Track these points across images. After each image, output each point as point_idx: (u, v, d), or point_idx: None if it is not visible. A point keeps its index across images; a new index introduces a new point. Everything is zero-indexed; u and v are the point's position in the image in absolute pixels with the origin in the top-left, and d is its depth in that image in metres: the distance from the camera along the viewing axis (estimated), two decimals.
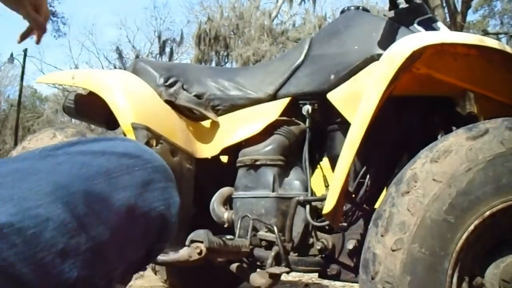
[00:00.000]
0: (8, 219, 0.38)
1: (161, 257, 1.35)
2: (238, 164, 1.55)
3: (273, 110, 1.52)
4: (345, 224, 1.46)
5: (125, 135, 1.43)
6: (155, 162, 0.57)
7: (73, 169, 0.48)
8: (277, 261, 1.38)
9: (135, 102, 1.49)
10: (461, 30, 8.27)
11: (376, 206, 1.31)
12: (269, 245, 1.41)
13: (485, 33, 11.60)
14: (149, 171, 0.55)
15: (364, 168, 1.45)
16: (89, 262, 0.44)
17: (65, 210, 0.42)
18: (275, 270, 1.34)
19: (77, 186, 0.46)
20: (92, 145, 0.54)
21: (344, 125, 1.35)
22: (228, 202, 1.56)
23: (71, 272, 0.42)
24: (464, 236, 0.99)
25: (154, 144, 1.45)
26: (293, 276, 2.77)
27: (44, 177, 0.44)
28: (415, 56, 1.18)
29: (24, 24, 1.10)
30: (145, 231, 0.54)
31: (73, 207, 0.43)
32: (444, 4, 8.93)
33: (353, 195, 1.45)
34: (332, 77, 1.43)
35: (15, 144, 12.65)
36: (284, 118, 1.52)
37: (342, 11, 1.61)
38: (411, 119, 1.45)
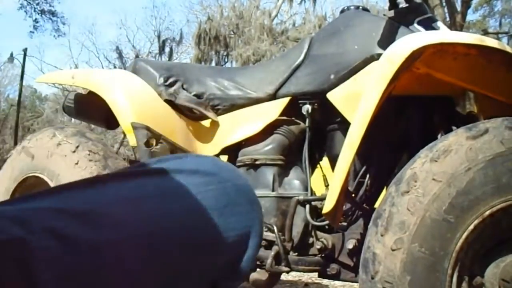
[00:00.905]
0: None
1: None
2: (238, 164, 1.55)
3: (273, 110, 1.52)
4: (345, 223, 1.46)
5: (125, 134, 1.43)
6: (236, 180, 0.51)
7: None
8: (277, 260, 1.38)
9: (135, 102, 1.49)
10: (461, 30, 8.27)
11: (376, 205, 1.31)
12: (269, 244, 1.41)
13: (485, 32, 11.59)
14: (227, 191, 0.49)
15: (364, 167, 1.45)
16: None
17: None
18: (275, 269, 1.34)
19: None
20: (157, 164, 0.50)
21: (344, 125, 1.35)
22: None
23: None
24: (464, 236, 0.99)
25: (154, 144, 1.45)
26: (293, 276, 2.77)
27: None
28: (415, 56, 1.18)
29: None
30: (211, 262, 0.47)
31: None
32: (444, 4, 8.93)
33: (353, 195, 1.45)
34: (332, 76, 1.43)
35: (15, 143, 12.65)
36: (284, 117, 1.52)
37: (342, 11, 1.61)
38: (411, 118, 1.45)
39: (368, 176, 1.45)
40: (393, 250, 1.00)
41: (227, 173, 0.51)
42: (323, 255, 1.43)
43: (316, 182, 1.57)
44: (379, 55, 1.29)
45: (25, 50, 15.24)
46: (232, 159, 1.61)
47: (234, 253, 0.49)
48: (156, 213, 0.44)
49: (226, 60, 15.04)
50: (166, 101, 1.58)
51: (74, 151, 1.56)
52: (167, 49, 18.02)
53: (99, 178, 0.48)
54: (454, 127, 1.32)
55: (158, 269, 0.42)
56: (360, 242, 1.36)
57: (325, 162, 1.61)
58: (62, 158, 1.57)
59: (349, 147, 1.19)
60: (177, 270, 0.44)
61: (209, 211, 0.47)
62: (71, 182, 0.47)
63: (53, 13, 16.47)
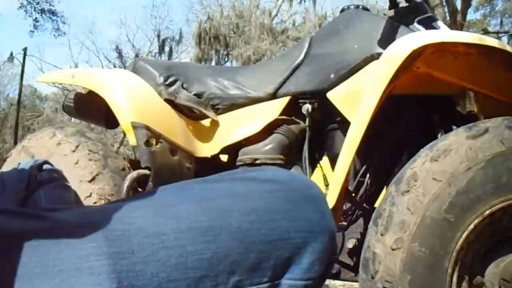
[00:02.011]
0: None
1: None
2: (238, 163, 1.55)
3: (273, 109, 1.52)
4: (345, 223, 1.46)
5: (124, 134, 1.43)
6: (306, 190, 0.56)
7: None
8: None
9: (135, 101, 1.49)
10: (461, 29, 8.26)
11: (376, 205, 1.31)
12: None
13: (485, 32, 11.58)
14: (295, 198, 0.54)
15: (364, 167, 1.45)
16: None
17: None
18: None
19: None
20: (241, 175, 0.58)
21: (344, 124, 1.35)
22: None
23: None
24: (464, 235, 0.99)
25: (154, 143, 1.45)
26: None
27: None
28: (415, 55, 1.18)
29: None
30: (269, 257, 0.51)
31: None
32: (444, 3, 8.92)
33: (353, 194, 1.45)
34: (332, 76, 1.43)
35: (15, 143, 12.65)
36: (284, 117, 1.52)
37: (342, 10, 1.61)
38: (411, 118, 1.45)
39: (368, 175, 1.45)
40: (393, 249, 1.00)
41: (298, 183, 0.56)
42: None
43: (316, 181, 1.57)
44: (379, 54, 1.29)
45: (25, 50, 15.25)
46: (232, 159, 1.61)
47: (296, 252, 0.52)
48: (219, 210, 0.50)
49: (226, 59, 15.04)
50: (166, 100, 1.58)
51: (74, 151, 1.56)
52: (167, 49, 18.01)
53: (189, 182, 0.58)
54: (454, 127, 1.33)
55: (215, 260, 0.48)
56: (360, 242, 1.36)
57: (325, 161, 1.61)
58: (62, 157, 1.57)
59: (349, 146, 1.19)
60: (234, 260, 0.49)
61: (272, 212, 0.52)
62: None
63: (53, 13, 16.48)
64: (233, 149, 1.59)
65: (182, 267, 0.48)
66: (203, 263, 0.48)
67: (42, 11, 16.15)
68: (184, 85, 1.61)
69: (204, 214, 0.50)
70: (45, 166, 1.13)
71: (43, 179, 1.06)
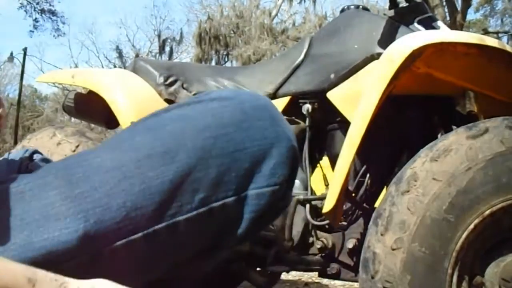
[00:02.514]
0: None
1: None
2: None
3: None
4: (345, 223, 1.46)
5: None
6: (254, 101, 0.56)
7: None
8: (277, 260, 1.37)
9: (135, 101, 1.49)
10: (461, 29, 8.26)
11: (376, 205, 1.30)
12: (269, 244, 1.41)
13: (485, 32, 11.59)
14: (244, 110, 0.54)
15: (364, 167, 1.45)
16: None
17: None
18: (275, 269, 1.34)
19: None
20: (188, 100, 0.58)
21: (344, 124, 1.35)
22: None
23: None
24: (464, 235, 0.99)
25: None
26: (293, 275, 2.77)
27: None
28: (415, 55, 1.18)
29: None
30: (230, 170, 0.52)
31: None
32: (444, 3, 8.92)
33: (353, 194, 1.45)
34: (332, 76, 1.43)
35: (15, 143, 12.64)
36: (284, 117, 1.51)
37: (342, 10, 1.61)
38: (411, 118, 1.45)
39: (368, 175, 1.45)
40: (393, 249, 1.00)
41: (244, 96, 0.56)
42: (323, 254, 1.43)
43: (316, 181, 1.57)
44: (379, 54, 1.29)
45: (25, 50, 15.24)
46: None
47: (255, 161, 0.53)
48: (172, 134, 0.52)
49: (226, 59, 15.05)
50: (166, 100, 1.58)
51: (74, 151, 1.56)
52: (167, 49, 18.03)
53: (140, 119, 0.59)
54: (454, 127, 1.32)
55: (177, 181, 0.49)
56: (360, 242, 1.36)
57: (325, 161, 1.60)
58: (62, 157, 1.57)
59: (349, 146, 1.19)
60: (196, 178, 0.50)
61: (224, 126, 0.52)
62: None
63: (53, 13, 16.49)
64: None
65: (147, 193, 0.48)
66: (166, 186, 0.49)
67: (42, 11, 16.17)
68: (184, 85, 1.61)
69: (158, 140, 0.51)
70: (35, 156, 1.12)
71: (34, 169, 1.06)
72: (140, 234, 0.48)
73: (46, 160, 1.15)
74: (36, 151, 1.14)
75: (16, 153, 1.13)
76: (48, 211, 0.46)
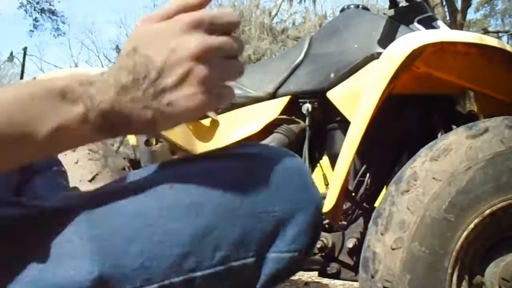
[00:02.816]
0: None
1: None
2: None
3: (273, 109, 1.52)
4: (345, 222, 1.46)
5: None
6: (289, 164, 0.55)
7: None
8: None
9: None
10: (461, 29, 8.26)
11: (376, 204, 1.31)
12: None
13: (486, 31, 11.58)
14: (277, 172, 0.53)
15: (364, 166, 1.45)
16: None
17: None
18: None
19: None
20: (221, 151, 0.57)
21: (344, 124, 1.35)
22: None
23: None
24: (464, 235, 0.99)
25: (154, 143, 1.45)
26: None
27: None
28: (415, 55, 1.18)
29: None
30: (251, 231, 0.51)
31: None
32: (444, 3, 8.92)
33: (353, 194, 1.45)
34: (332, 75, 1.43)
35: None
36: (284, 116, 1.52)
37: (342, 10, 1.61)
38: (411, 117, 1.45)
39: (368, 175, 1.45)
40: (393, 249, 1.00)
41: (281, 157, 0.54)
42: (323, 254, 1.43)
43: (316, 181, 1.56)
44: (379, 54, 1.29)
45: (25, 49, 15.24)
46: None
47: (279, 225, 0.52)
48: (201, 186, 0.50)
49: None
50: None
51: (74, 150, 1.56)
52: None
53: (168, 160, 0.57)
54: (454, 126, 1.33)
55: (199, 236, 0.48)
56: (360, 241, 1.36)
57: (325, 161, 1.61)
58: (61, 156, 1.57)
59: (349, 146, 1.19)
60: (219, 235, 0.49)
61: (254, 186, 0.51)
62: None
63: (53, 12, 16.50)
64: None
65: (166, 244, 0.47)
66: (187, 240, 0.48)
67: (42, 10, 16.17)
68: None
69: (185, 191, 0.49)
70: None
71: (38, 167, 1.05)
72: (155, 285, 0.47)
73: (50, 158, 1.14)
74: None
75: None
76: (65, 248, 0.45)
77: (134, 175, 0.54)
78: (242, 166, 0.52)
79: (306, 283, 2.67)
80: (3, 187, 0.90)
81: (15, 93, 0.42)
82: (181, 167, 0.54)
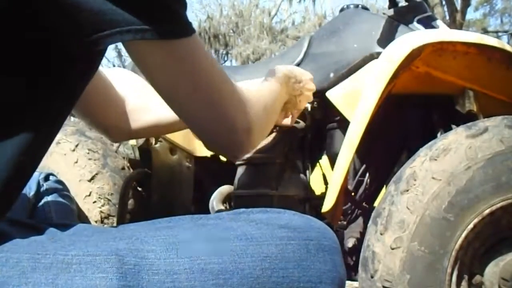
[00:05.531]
0: None
1: None
2: (237, 162, 1.55)
3: None
4: (344, 222, 1.46)
5: None
6: (322, 240, 0.56)
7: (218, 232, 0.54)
8: None
9: None
10: (460, 28, 8.27)
11: (376, 204, 1.31)
12: None
13: (485, 31, 11.59)
14: (309, 247, 0.54)
15: (364, 166, 1.45)
16: None
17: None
18: None
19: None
20: (257, 215, 0.58)
21: (344, 123, 1.35)
22: (228, 200, 1.56)
23: None
24: (463, 235, 0.99)
25: (154, 143, 1.45)
26: None
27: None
28: (414, 55, 1.18)
29: None
30: None
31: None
32: (444, 2, 8.93)
33: (353, 194, 1.45)
34: (332, 75, 1.43)
35: None
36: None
37: (342, 10, 1.61)
38: (410, 117, 1.45)
39: (367, 174, 1.45)
40: (392, 248, 1.00)
41: (314, 232, 0.56)
42: None
43: (315, 181, 1.57)
44: (379, 53, 1.29)
45: None
46: None
47: None
48: (232, 253, 0.51)
49: (225, 58, 15.04)
50: None
51: (74, 150, 1.56)
52: None
53: (203, 216, 0.58)
54: (453, 126, 1.33)
55: None
56: (360, 241, 1.36)
57: (324, 161, 1.60)
58: (61, 156, 1.57)
59: (348, 145, 1.19)
60: None
61: (285, 260, 0.52)
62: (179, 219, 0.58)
63: None
64: None
65: None
66: None
67: None
68: None
69: (216, 256, 0.50)
70: (51, 177, 1.15)
71: (50, 189, 1.08)
72: None
73: (60, 182, 1.18)
74: (51, 174, 1.18)
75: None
76: None
77: (167, 223, 0.55)
78: (275, 237, 0.54)
79: None
80: (18, 207, 0.92)
81: (268, 88, 0.86)
82: (216, 227, 0.55)
